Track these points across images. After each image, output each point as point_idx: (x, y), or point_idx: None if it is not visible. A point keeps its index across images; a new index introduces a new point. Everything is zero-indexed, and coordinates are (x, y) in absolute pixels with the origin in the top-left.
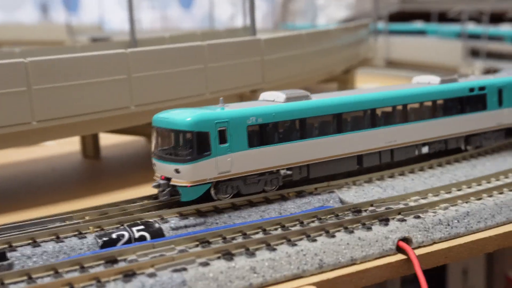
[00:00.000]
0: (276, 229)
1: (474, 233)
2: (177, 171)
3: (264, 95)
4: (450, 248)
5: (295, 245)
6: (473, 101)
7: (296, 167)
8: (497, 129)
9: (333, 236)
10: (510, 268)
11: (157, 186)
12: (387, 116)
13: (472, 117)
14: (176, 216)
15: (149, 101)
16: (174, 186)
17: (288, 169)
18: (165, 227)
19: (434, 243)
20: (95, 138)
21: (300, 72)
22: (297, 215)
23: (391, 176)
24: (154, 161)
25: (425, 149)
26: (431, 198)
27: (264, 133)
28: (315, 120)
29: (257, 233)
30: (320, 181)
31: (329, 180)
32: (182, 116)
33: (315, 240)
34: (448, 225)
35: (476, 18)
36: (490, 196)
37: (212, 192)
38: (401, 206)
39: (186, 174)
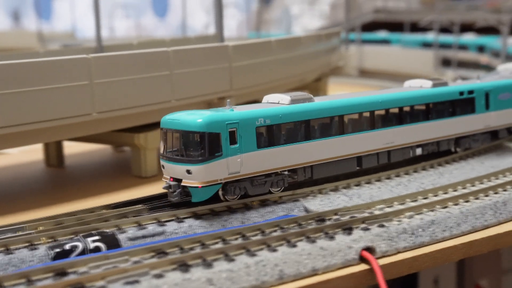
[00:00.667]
0: (236, 239)
1: (439, 242)
2: (188, 172)
3: (267, 98)
4: (414, 258)
5: (255, 255)
6: (463, 104)
7: (300, 168)
8: (484, 132)
9: (295, 246)
10: (480, 276)
11: (168, 188)
12: (385, 118)
13: (462, 120)
14: (135, 226)
15: (112, 108)
16: (184, 187)
17: (292, 170)
18: (122, 237)
19: (398, 252)
20: (59, 146)
21: (270, 80)
22: (258, 225)
23: (358, 185)
24: (163, 162)
25: (418, 151)
26: (397, 207)
27: (271, 134)
28: (319, 122)
29: (216, 243)
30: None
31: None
32: (193, 118)
33: (275, 250)
34: (413, 234)
35: (447, 28)
36: (456, 204)
37: (220, 193)
38: (366, 214)
39: (197, 175)
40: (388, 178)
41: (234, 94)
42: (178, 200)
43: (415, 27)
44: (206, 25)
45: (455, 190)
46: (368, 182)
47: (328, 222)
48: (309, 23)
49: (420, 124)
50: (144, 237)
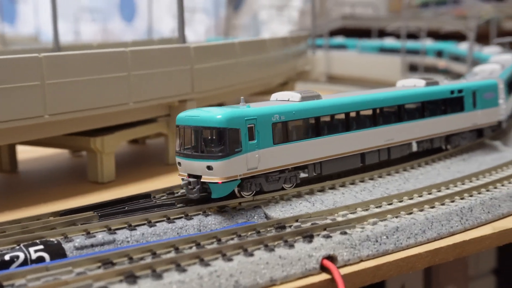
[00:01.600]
0: (190, 247)
1: (404, 249)
2: (209, 168)
3: (276, 95)
4: (378, 267)
5: (209, 265)
6: (453, 103)
7: (311, 164)
8: (471, 129)
9: (252, 255)
10: (447, 283)
11: (187, 184)
12: (386, 115)
13: (453, 118)
14: (83, 234)
15: (65, 110)
16: (203, 184)
17: (304, 166)
18: (68, 246)
19: (361, 261)
20: (12, 150)
21: (234, 83)
22: (214, 232)
23: (321, 190)
24: (180, 159)
25: (414, 148)
26: (360, 213)
27: (286, 130)
28: (329, 119)
29: (168, 252)
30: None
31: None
32: (213, 114)
33: (231, 260)
34: (377, 241)
35: (415, 34)
36: (421, 210)
37: (236, 189)
38: (328, 221)
39: (218, 171)
40: (353, 183)
41: (196, 97)
42: (197, 197)
43: (383, 34)
44: (174, 30)
45: (420, 196)
46: (332, 188)
47: (288, 230)
48: (278, 29)
49: (417, 121)
50: (92, 246)
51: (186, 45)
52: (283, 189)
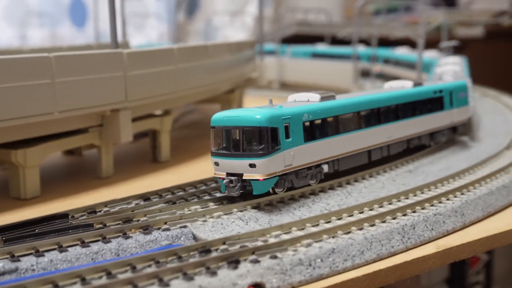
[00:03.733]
0: (100, 277)
1: (340, 273)
2: (252, 165)
3: (294, 97)
4: None
5: None
6: (436, 102)
7: (330, 161)
8: (449, 127)
9: (168, 286)
10: None
11: (229, 183)
12: (389, 114)
13: (436, 116)
14: None
15: None
16: (244, 181)
17: (325, 163)
18: None
19: (293, 287)
20: None
21: (173, 90)
22: (129, 259)
23: (256, 207)
24: (217, 159)
25: (404, 145)
26: (295, 233)
27: (313, 129)
28: (348, 117)
29: (74, 283)
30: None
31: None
32: (253, 114)
33: None
34: (310, 265)
35: (366, 40)
36: (360, 229)
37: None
38: (259, 243)
39: (261, 168)
40: (291, 198)
41: (130, 106)
42: (238, 194)
43: (335, 40)
44: (125, 35)
45: (361, 212)
46: (269, 204)
47: (213, 254)
48: (232, 35)
49: (411, 119)
50: None
51: (118, 50)
52: (309, 185)
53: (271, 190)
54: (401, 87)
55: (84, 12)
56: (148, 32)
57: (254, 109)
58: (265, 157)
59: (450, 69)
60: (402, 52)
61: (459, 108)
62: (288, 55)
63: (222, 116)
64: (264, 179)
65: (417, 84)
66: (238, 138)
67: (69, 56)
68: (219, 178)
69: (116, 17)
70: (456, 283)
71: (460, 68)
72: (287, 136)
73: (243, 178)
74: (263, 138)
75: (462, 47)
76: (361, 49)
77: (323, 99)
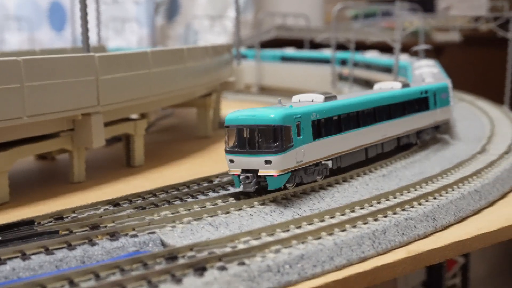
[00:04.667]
0: (62, 286)
1: (309, 279)
2: (267, 162)
3: (298, 97)
4: None
5: None
6: (422, 103)
7: (334, 158)
8: (433, 126)
9: None
10: None
11: (245, 178)
12: (384, 113)
13: (422, 115)
14: None
15: None
16: (259, 177)
17: (329, 159)
18: None
19: None
20: None
21: (147, 95)
22: (93, 267)
23: (227, 212)
24: (233, 156)
25: (395, 143)
26: (265, 239)
27: (320, 127)
28: (350, 116)
29: None
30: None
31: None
32: (268, 113)
33: None
34: (278, 271)
35: (344, 45)
36: (331, 234)
37: None
38: (227, 249)
39: (276, 164)
40: (263, 204)
41: (102, 110)
42: (254, 189)
43: (314, 44)
44: (106, 39)
45: (332, 217)
46: (240, 209)
47: (180, 261)
48: (214, 40)
49: (402, 118)
50: None
51: (90, 54)
52: (315, 181)
53: (281, 186)
54: (390, 88)
55: (63, 16)
56: (127, 36)
57: (267, 108)
58: (280, 154)
59: (428, 71)
60: (371, 55)
61: (441, 108)
62: (258, 59)
63: (237, 115)
64: (278, 175)
65: (405, 85)
66: (254, 136)
67: (38, 59)
68: (233, 174)
69: (92, 21)
70: (433, 286)
71: (437, 70)
72: (298, 134)
73: (259, 174)
74: (278, 136)
75: (439, 52)
76: (329, 53)
77: (326, 99)
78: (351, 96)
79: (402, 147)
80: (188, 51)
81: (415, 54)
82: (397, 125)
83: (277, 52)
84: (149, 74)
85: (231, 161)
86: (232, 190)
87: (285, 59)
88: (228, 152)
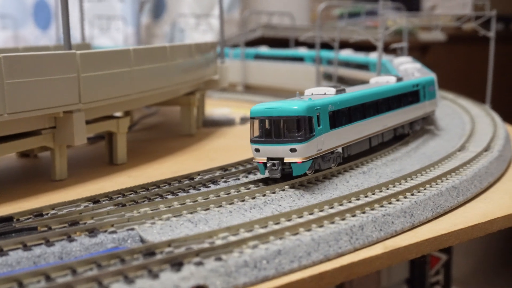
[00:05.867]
0: (39, 281)
1: (286, 274)
2: (292, 150)
3: (310, 91)
4: None
5: None
6: (414, 95)
7: (344, 146)
8: (422, 117)
9: None
10: None
11: (273, 166)
12: (385, 105)
13: (415, 107)
14: None
15: None
16: (284, 164)
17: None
18: None
19: None
20: None
21: (129, 93)
22: (69, 263)
23: (207, 209)
24: (259, 146)
25: (392, 133)
26: (243, 234)
27: (335, 118)
28: (359, 107)
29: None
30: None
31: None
32: (292, 105)
33: None
34: (255, 266)
35: (328, 44)
36: (308, 230)
37: None
38: (205, 245)
39: (300, 152)
40: (243, 200)
41: (84, 108)
42: (280, 175)
43: (299, 43)
44: (91, 37)
45: (311, 213)
46: (219, 206)
47: (158, 257)
48: (199, 38)
49: (399, 110)
50: None
51: (71, 52)
52: (330, 168)
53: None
54: (386, 82)
55: (48, 14)
56: (113, 35)
57: (290, 101)
58: (304, 143)
59: (412, 67)
60: (346, 53)
61: (430, 100)
62: (231, 57)
63: (262, 108)
64: (302, 162)
65: (399, 79)
66: (279, 126)
67: (18, 56)
68: (258, 162)
69: (77, 18)
70: (416, 283)
71: (419, 65)
72: (318, 124)
73: (284, 161)
74: (302, 126)
75: (424, 51)
76: (304, 51)
77: (337, 92)
78: (357, 90)
79: (397, 137)
80: (170, 49)
81: (393, 51)
82: (395, 116)
83: (251, 50)
84: (131, 72)
85: (257, 150)
86: (213, 187)
87: (258, 57)
88: (253, 141)
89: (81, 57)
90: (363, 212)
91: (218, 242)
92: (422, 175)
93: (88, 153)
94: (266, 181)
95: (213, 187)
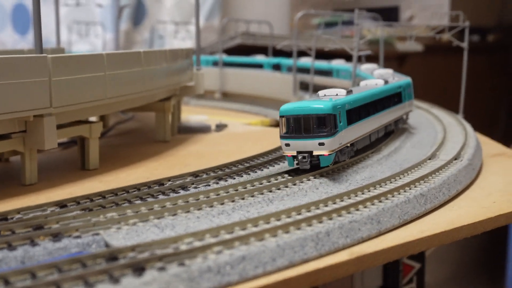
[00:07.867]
0: None
1: (250, 280)
2: (321, 144)
3: (323, 92)
4: None
5: None
6: (398, 96)
7: (354, 142)
8: (403, 116)
9: None
10: None
11: (303, 158)
12: (382, 104)
13: (399, 107)
14: None
15: None
16: (313, 157)
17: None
18: None
19: None
20: None
21: (102, 97)
22: (30, 267)
23: (174, 214)
24: (289, 141)
25: (384, 130)
26: (207, 240)
27: (350, 115)
28: (365, 106)
29: None
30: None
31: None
32: (319, 104)
33: None
34: (219, 272)
35: (306, 52)
36: (274, 236)
37: None
38: (169, 250)
39: (327, 146)
40: (211, 206)
41: (55, 112)
42: (309, 167)
43: (276, 51)
44: (69, 42)
45: (278, 219)
46: (187, 211)
47: (120, 261)
48: (181, 45)
49: (389, 109)
50: None
51: (42, 55)
52: (344, 160)
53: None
54: (375, 84)
55: (27, 19)
56: (92, 40)
57: (316, 100)
58: (331, 137)
59: (385, 72)
60: (305, 61)
61: (409, 101)
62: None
63: (291, 107)
64: (328, 154)
65: (386, 82)
66: (309, 123)
67: None
68: (287, 156)
69: (53, 23)
70: None
71: (391, 70)
72: (340, 121)
73: (313, 154)
74: (328, 123)
75: (402, 61)
76: (262, 58)
77: (347, 93)
78: (360, 91)
79: (386, 133)
80: (145, 54)
81: (359, 59)
82: (388, 114)
83: (210, 57)
84: (105, 76)
85: (287, 144)
86: (182, 192)
87: (216, 64)
88: (283, 137)
89: (53, 61)
90: (330, 219)
91: (183, 247)
92: (391, 182)
93: (61, 158)
94: (236, 187)
95: (182, 192)
